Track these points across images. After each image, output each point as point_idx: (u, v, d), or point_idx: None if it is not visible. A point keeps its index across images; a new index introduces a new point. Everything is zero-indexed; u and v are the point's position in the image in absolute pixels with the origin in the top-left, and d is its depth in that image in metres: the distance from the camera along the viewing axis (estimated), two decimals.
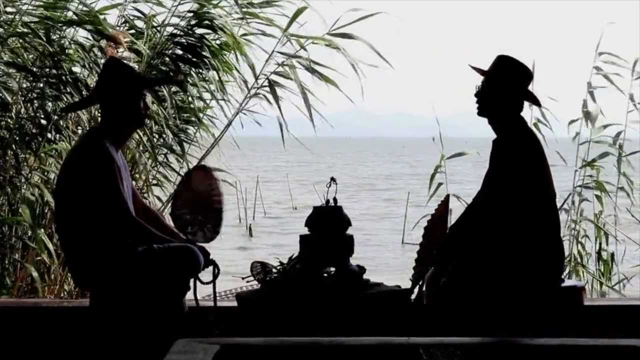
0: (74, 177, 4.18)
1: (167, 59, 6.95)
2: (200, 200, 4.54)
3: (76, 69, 6.79)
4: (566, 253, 7.52)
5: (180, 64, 6.95)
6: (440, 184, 7.94)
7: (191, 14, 7.07)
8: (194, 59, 6.96)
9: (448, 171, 7.98)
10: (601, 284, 7.73)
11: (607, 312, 4.94)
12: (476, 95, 4.45)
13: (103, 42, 6.38)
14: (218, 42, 7.06)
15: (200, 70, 7.02)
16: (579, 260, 7.73)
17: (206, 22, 7.03)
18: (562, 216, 6.24)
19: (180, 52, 7.03)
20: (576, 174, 7.87)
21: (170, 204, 4.61)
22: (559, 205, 4.77)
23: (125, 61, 4.31)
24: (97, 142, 4.18)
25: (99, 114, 6.62)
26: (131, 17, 7.14)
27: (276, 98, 6.98)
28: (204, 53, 6.90)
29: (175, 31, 7.04)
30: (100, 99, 4.34)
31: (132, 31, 7.01)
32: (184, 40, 7.02)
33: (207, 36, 7.03)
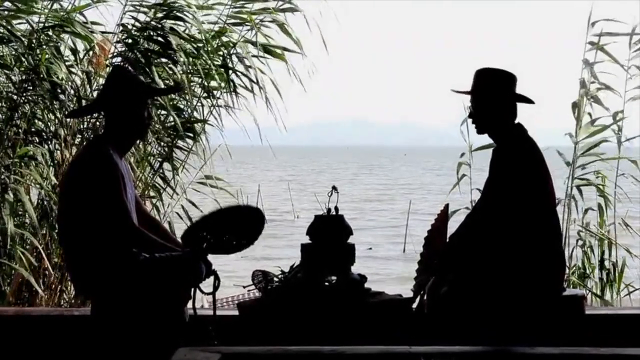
0: (77, 184, 4.18)
1: (138, 54, 6.79)
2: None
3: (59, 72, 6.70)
4: (572, 262, 7.49)
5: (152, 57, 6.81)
6: (464, 175, 7.84)
7: (158, 6, 6.97)
8: (163, 51, 6.85)
9: (471, 167, 7.87)
10: (600, 297, 7.60)
11: (608, 321, 4.93)
12: (470, 116, 4.53)
13: (97, 48, 6.38)
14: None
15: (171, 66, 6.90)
16: (582, 269, 7.63)
17: (174, 12, 6.93)
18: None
19: (155, 47, 6.90)
20: (573, 165, 7.62)
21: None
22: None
23: (129, 69, 4.31)
24: (101, 150, 4.18)
25: (93, 122, 6.67)
26: (129, 25, 7.11)
27: (230, 70, 6.97)
28: (179, 55, 6.80)
29: (145, 25, 6.91)
30: (105, 107, 4.35)
31: (130, 40, 7.00)
32: (153, 34, 6.90)
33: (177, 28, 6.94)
